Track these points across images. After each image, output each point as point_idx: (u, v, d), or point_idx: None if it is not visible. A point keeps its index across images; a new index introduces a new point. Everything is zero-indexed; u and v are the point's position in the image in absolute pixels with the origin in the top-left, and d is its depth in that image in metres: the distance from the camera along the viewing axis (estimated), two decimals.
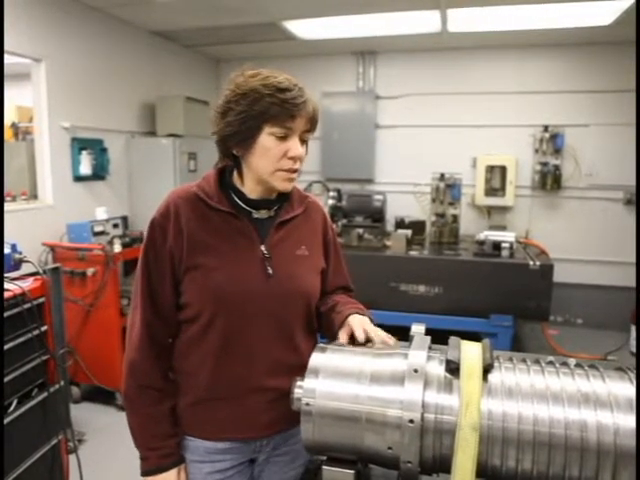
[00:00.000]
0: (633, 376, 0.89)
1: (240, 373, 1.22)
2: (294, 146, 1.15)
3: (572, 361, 0.98)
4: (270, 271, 1.22)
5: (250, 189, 1.24)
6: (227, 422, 1.24)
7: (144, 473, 1.24)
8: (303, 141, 1.19)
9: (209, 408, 1.25)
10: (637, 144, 4.35)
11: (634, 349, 4.41)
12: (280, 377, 1.22)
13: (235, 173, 1.26)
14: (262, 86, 1.12)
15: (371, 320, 1.22)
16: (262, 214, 1.26)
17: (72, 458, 2.48)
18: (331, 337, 1.25)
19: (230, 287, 1.19)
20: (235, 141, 1.17)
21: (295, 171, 1.19)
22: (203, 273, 1.19)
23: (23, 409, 2.20)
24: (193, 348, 1.24)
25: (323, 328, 1.35)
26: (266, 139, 1.14)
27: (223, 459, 1.26)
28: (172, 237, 1.19)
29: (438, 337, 1.12)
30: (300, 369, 1.03)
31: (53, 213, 3.81)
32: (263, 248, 1.23)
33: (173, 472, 1.23)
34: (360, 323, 1.16)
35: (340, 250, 1.45)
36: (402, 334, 1.16)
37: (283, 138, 1.14)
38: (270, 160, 1.16)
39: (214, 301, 1.19)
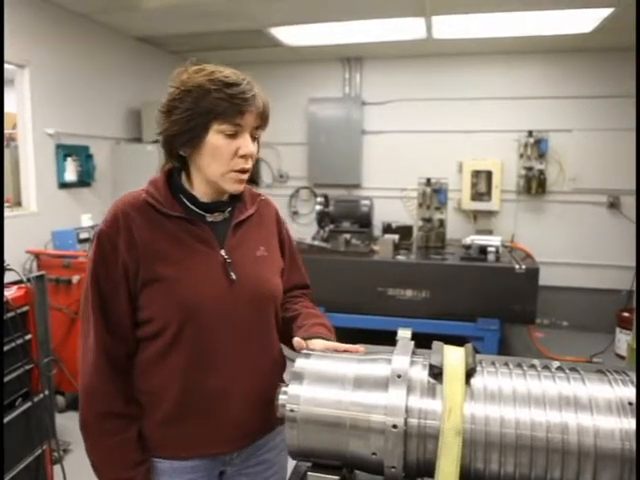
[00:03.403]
0: (613, 378, 0.90)
1: (213, 385, 1.15)
2: (244, 144, 1.10)
3: (554, 364, 0.99)
4: (233, 276, 1.16)
5: (201, 192, 1.17)
6: (198, 438, 1.17)
7: None
8: (254, 138, 1.14)
9: (179, 426, 1.16)
10: (637, 147, 4.37)
11: (619, 351, 4.47)
12: (256, 384, 1.18)
13: (183, 175, 1.20)
14: (208, 81, 1.06)
15: (332, 333, 1.21)
16: (216, 217, 1.20)
17: (57, 468, 2.44)
18: (287, 344, 1.22)
19: (194, 297, 1.11)
20: (182, 141, 1.11)
21: (246, 171, 1.13)
22: (165, 285, 1.10)
23: (7, 419, 2.17)
24: (158, 366, 1.15)
25: (280, 333, 1.29)
26: (215, 137, 1.08)
27: (192, 478, 1.18)
28: (124, 250, 1.10)
29: (425, 341, 1.12)
30: (273, 372, 1.01)
31: (37, 220, 3.77)
32: (223, 253, 1.17)
33: None
34: (324, 347, 1.11)
35: (295, 247, 1.41)
36: (389, 339, 1.16)
37: (233, 136, 1.09)
38: (221, 160, 1.10)
39: (180, 313, 1.11)
